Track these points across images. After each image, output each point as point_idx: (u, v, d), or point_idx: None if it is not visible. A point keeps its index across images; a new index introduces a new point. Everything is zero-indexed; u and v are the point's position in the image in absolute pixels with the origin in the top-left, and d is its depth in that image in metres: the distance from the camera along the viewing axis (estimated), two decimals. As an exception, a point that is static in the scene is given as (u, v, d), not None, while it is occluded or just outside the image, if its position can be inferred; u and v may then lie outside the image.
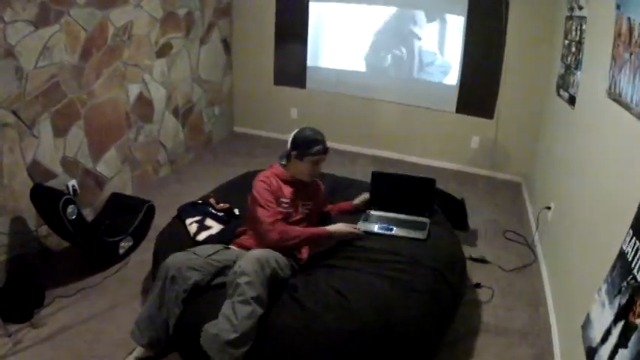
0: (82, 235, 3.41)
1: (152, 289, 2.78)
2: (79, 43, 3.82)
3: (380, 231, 3.40)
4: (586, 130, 3.59)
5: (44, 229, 3.64)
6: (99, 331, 3.06)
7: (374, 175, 3.74)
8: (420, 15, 5.88)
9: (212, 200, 3.76)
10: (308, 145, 3.14)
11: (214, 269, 2.81)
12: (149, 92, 4.83)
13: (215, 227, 3.48)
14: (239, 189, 3.99)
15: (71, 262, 3.71)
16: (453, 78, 5.95)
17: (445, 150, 6.28)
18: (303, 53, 6.35)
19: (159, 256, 3.23)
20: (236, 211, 3.69)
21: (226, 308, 2.50)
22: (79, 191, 3.96)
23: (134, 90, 4.60)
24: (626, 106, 2.65)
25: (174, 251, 3.16)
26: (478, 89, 5.86)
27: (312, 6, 6.13)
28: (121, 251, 3.77)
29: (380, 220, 3.55)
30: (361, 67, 6.29)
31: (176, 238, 3.37)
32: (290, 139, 3.19)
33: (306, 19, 6.19)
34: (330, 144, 6.35)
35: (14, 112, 3.36)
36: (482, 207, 5.29)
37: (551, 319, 3.53)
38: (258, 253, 2.67)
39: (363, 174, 5.30)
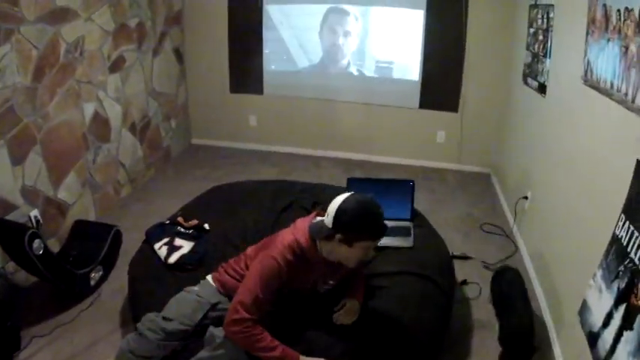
0: (50, 270, 3.17)
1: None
2: (31, 63, 3.57)
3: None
4: (561, 118, 3.66)
5: (11, 266, 3.38)
6: (83, 372, 2.85)
7: (350, 181, 3.63)
8: (378, 11, 5.82)
9: (180, 219, 3.59)
10: (366, 228, 2.30)
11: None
12: (104, 110, 4.59)
13: (186, 246, 3.31)
14: (207, 205, 3.89)
15: (42, 298, 3.45)
16: (414, 73, 5.89)
17: (411, 147, 6.26)
18: (259, 58, 6.19)
19: (134, 286, 3.09)
20: (206, 226, 3.53)
21: None
22: (42, 222, 3.71)
23: (89, 109, 4.36)
24: (606, 93, 2.71)
25: (149, 279, 3.05)
26: (441, 83, 5.87)
27: (266, 9, 5.96)
28: (93, 282, 3.54)
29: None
30: (320, 68, 6.17)
31: (149, 264, 3.21)
32: (332, 214, 2.31)
33: (260, 22, 6.02)
34: (292, 149, 6.44)
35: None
36: (454, 201, 5.31)
37: (542, 306, 3.57)
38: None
39: (328, 178, 5.24)
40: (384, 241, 3.27)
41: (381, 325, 2.67)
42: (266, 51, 6.17)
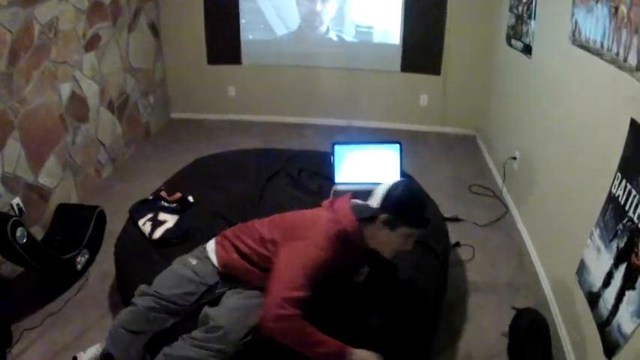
0: (36, 258, 3.08)
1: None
2: (5, 48, 3.43)
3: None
4: (548, 77, 3.65)
5: (-5, 258, 3.30)
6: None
7: (335, 145, 3.52)
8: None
9: (163, 193, 3.53)
10: (411, 212, 2.26)
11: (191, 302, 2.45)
12: (81, 90, 4.47)
13: (170, 220, 3.24)
14: (191, 177, 3.87)
15: (29, 289, 3.37)
16: (395, 37, 5.82)
17: (394, 110, 6.24)
18: (236, 28, 6.06)
19: (121, 266, 3.02)
20: (190, 199, 3.48)
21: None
22: (24, 209, 3.62)
23: (66, 89, 4.24)
24: (597, 52, 2.69)
25: (136, 258, 2.98)
26: (422, 46, 5.81)
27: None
28: (79, 267, 3.47)
29: (351, 194, 3.40)
30: (298, 35, 6.07)
31: (135, 243, 3.14)
32: (381, 195, 2.28)
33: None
34: (273, 118, 6.39)
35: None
36: (440, 164, 5.31)
37: (537, 268, 3.57)
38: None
39: (312, 145, 5.18)
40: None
41: (376, 292, 2.61)
42: (243, 21, 6.04)
